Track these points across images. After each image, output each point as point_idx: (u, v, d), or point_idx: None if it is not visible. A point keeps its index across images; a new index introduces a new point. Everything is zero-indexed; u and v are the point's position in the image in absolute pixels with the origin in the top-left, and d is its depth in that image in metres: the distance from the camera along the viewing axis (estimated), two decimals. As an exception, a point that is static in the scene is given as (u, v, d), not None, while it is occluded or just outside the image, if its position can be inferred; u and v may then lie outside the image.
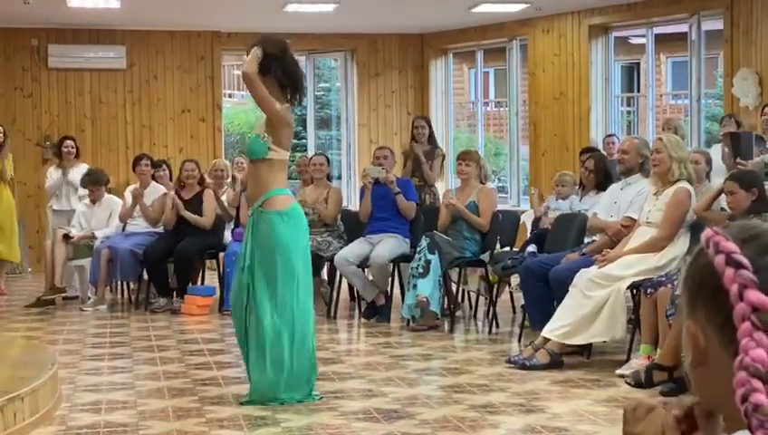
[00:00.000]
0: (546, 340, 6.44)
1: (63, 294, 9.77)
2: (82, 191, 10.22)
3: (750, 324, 1.16)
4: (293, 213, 5.55)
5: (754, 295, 1.16)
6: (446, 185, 12.00)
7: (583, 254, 6.94)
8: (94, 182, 9.99)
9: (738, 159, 7.37)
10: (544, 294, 6.96)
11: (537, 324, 7.06)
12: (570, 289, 6.46)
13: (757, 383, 1.14)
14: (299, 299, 5.49)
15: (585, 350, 6.67)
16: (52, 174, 10.73)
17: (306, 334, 5.53)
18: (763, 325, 1.15)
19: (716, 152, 8.22)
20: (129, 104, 13.17)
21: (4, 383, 5.02)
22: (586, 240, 7.28)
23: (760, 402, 1.14)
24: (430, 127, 9.96)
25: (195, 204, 9.39)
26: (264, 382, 5.49)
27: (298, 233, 5.54)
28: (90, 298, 9.58)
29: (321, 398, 5.57)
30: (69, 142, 10.77)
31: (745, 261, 1.19)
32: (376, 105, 13.99)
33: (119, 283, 10.10)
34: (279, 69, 5.51)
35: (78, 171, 10.50)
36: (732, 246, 1.21)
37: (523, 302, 7.66)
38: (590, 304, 6.31)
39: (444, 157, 9.89)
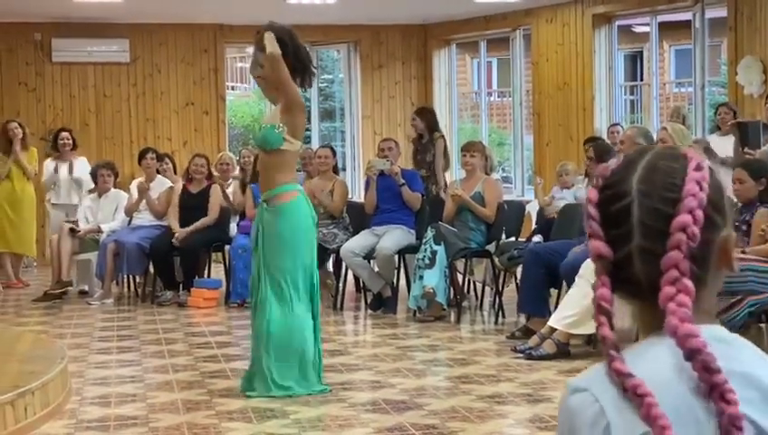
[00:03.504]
0: (553, 329, 6.46)
1: (73, 287, 9.78)
2: (88, 185, 10.21)
3: (599, 265, 1.27)
4: (292, 208, 5.50)
5: (592, 244, 1.27)
6: (451, 175, 11.99)
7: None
8: (109, 166, 10.01)
9: (746, 149, 7.36)
10: (541, 280, 7.03)
11: (525, 308, 7.12)
12: (576, 279, 6.46)
13: (602, 319, 1.24)
14: (283, 296, 5.42)
15: (592, 339, 6.69)
16: (48, 167, 10.68)
17: (299, 331, 5.45)
18: (604, 270, 1.25)
19: (729, 141, 8.18)
20: (134, 98, 13.18)
21: (15, 378, 5.01)
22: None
23: (605, 335, 1.24)
24: (424, 120, 9.75)
25: (202, 198, 9.41)
26: (252, 371, 5.56)
27: (295, 227, 5.47)
28: (96, 292, 9.60)
29: (330, 390, 5.59)
30: (64, 134, 10.67)
31: (593, 212, 1.28)
32: (379, 97, 13.98)
33: (125, 276, 10.12)
34: (290, 52, 5.52)
35: (77, 164, 10.50)
36: (592, 193, 1.30)
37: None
38: (596, 294, 6.31)
39: (443, 138, 9.76)
